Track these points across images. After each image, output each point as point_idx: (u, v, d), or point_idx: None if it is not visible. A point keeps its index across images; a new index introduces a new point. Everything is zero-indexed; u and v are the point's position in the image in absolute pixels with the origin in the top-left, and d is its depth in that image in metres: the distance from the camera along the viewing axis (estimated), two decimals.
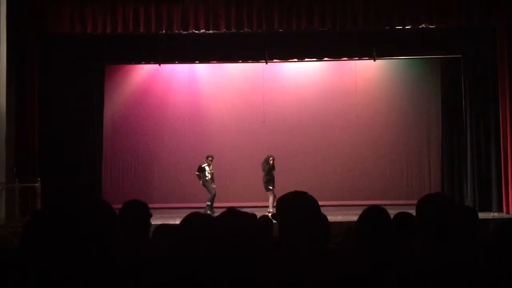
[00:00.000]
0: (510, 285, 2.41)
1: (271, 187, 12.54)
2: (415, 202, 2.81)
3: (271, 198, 12.36)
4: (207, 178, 12.78)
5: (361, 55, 13.42)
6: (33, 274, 2.26)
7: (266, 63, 13.33)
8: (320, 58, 13.76)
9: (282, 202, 2.60)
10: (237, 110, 14.77)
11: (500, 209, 12.13)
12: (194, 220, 2.90)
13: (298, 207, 2.54)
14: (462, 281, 2.47)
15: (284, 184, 12.58)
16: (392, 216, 3.46)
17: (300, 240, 2.47)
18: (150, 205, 3.55)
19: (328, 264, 2.42)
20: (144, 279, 2.54)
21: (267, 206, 12.19)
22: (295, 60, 13.87)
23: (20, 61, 12.06)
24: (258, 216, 3.76)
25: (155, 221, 3.79)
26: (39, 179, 11.41)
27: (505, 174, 12.07)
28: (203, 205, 12.52)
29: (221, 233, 2.53)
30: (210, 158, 12.91)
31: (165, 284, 2.55)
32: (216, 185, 12.95)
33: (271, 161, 12.74)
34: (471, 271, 2.50)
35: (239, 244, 2.48)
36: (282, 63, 14.31)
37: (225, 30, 12.07)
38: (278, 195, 11.24)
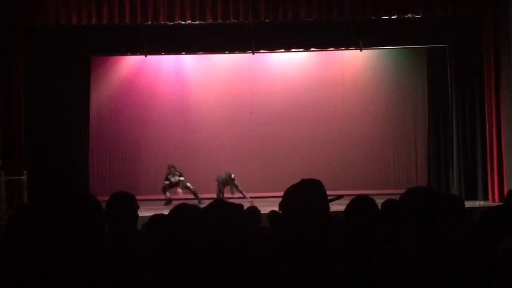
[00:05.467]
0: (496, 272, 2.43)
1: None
2: (402, 191, 2.81)
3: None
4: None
5: (347, 45, 13.46)
6: (16, 267, 2.25)
7: (253, 54, 13.30)
8: (307, 48, 13.78)
9: (292, 192, 2.55)
10: (224, 101, 14.73)
11: (486, 198, 12.25)
12: (181, 211, 2.89)
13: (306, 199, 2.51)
14: (450, 268, 2.49)
15: (271, 175, 12.65)
16: (379, 205, 3.48)
17: (301, 230, 2.47)
18: (138, 197, 3.54)
19: (318, 252, 2.43)
20: (132, 272, 2.54)
21: (256, 197, 12.18)
22: (282, 50, 13.84)
23: (4, 53, 11.93)
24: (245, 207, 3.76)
25: (143, 213, 3.79)
26: (25, 171, 11.35)
27: (491, 162, 12.17)
28: (191, 196, 12.55)
29: (208, 224, 2.53)
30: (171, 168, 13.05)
31: (153, 276, 2.55)
32: (203, 176, 12.99)
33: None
34: (459, 258, 2.52)
35: (227, 234, 2.48)
36: (269, 54, 14.27)
37: (211, 20, 12.00)
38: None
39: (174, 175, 12.93)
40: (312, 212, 2.48)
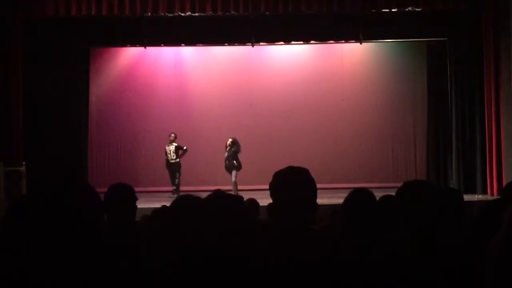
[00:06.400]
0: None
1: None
2: (400, 184, 2.80)
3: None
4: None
5: (347, 38, 13.43)
6: (15, 258, 2.25)
7: (253, 46, 13.27)
8: (306, 41, 13.76)
9: (280, 176, 2.53)
10: (223, 93, 14.71)
11: (484, 191, 12.27)
12: (182, 202, 2.89)
13: (296, 182, 2.49)
14: (448, 262, 2.49)
15: (270, 167, 12.55)
16: (377, 199, 3.48)
17: (289, 218, 2.46)
18: (136, 189, 3.55)
19: (316, 245, 2.43)
20: (130, 262, 2.54)
21: (255, 190, 12.16)
22: (282, 43, 13.82)
23: (3, 44, 11.91)
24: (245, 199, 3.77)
25: (141, 204, 3.80)
26: (24, 163, 11.35)
27: (490, 156, 12.18)
28: (190, 188, 12.50)
29: (209, 215, 2.53)
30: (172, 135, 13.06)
31: (152, 267, 2.55)
32: (202, 168, 12.96)
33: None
34: (456, 252, 2.53)
35: (227, 226, 2.48)
36: (269, 46, 14.25)
37: (211, 12, 11.98)
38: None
39: (171, 143, 12.97)
40: (298, 199, 2.47)
